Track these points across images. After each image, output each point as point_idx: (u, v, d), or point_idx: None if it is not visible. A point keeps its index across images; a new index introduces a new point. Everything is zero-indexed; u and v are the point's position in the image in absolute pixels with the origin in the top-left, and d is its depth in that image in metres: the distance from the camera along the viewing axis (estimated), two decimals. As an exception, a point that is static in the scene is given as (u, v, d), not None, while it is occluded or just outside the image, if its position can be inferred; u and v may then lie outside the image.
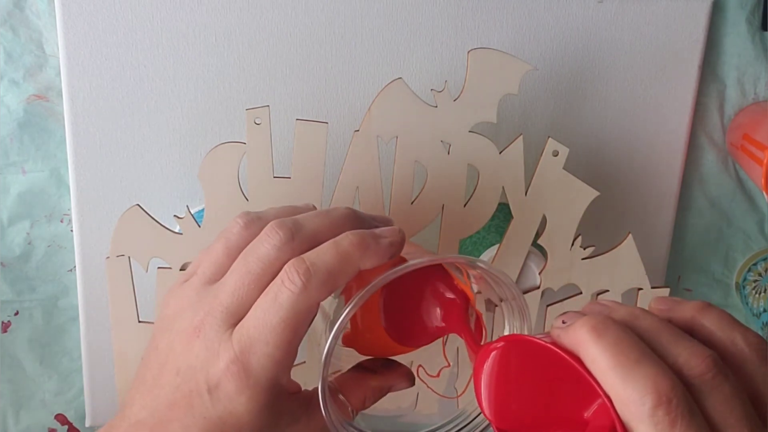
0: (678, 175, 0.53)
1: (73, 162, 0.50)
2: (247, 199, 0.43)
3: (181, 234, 0.44)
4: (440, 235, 0.45)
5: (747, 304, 0.57)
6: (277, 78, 0.50)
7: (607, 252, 0.46)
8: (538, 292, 0.46)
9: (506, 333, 0.36)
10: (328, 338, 0.31)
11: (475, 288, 0.37)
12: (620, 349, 0.26)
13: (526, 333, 0.36)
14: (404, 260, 0.32)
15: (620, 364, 0.25)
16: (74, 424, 0.58)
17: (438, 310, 0.36)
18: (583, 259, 0.46)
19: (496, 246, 0.45)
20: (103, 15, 0.48)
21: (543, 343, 0.28)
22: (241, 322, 0.30)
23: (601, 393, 0.26)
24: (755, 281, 0.57)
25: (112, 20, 0.48)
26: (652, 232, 0.54)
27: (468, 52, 0.43)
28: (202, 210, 0.44)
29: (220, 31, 0.49)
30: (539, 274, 0.46)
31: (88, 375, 0.55)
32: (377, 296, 0.35)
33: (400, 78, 0.43)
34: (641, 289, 0.47)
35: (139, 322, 0.45)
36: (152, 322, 0.46)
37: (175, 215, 0.44)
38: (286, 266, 0.30)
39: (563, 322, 0.28)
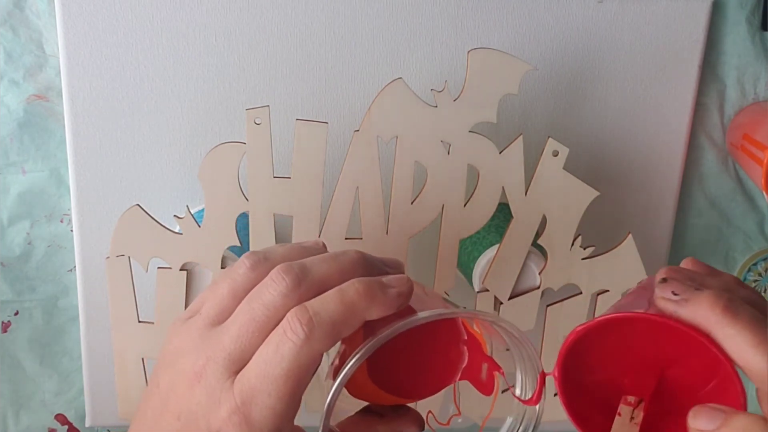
0: (678, 175, 0.53)
1: (73, 162, 0.50)
2: (247, 199, 0.43)
3: (181, 234, 0.44)
4: (440, 235, 0.45)
5: (747, 304, 0.57)
6: (277, 78, 0.50)
7: (607, 252, 0.46)
8: (538, 292, 0.46)
9: (518, 381, 0.35)
10: (330, 391, 0.30)
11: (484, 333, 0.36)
12: (758, 328, 0.28)
13: (536, 382, 0.35)
14: (412, 309, 0.32)
15: (762, 342, 0.27)
16: (74, 424, 0.58)
17: (446, 359, 0.36)
18: (583, 259, 0.46)
19: (496, 246, 0.45)
20: (103, 15, 0.48)
21: (659, 318, 0.29)
22: (243, 371, 0.30)
23: (730, 368, 0.28)
24: (755, 281, 0.57)
25: (112, 20, 0.48)
26: (652, 232, 0.54)
27: (468, 52, 0.43)
28: (202, 210, 0.44)
29: (220, 31, 0.49)
30: (539, 274, 0.46)
31: (88, 375, 0.55)
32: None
33: (400, 78, 0.43)
34: (641, 289, 0.47)
35: (139, 322, 0.45)
36: (152, 322, 0.46)
37: (175, 215, 0.44)
38: (288, 315, 0.29)
39: (674, 294, 0.29)
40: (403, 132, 0.43)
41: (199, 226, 0.44)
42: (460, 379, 0.36)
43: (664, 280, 0.30)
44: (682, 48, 0.51)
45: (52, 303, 0.56)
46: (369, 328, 0.30)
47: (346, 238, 0.44)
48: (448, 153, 0.44)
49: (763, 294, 0.57)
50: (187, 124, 0.50)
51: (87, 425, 0.56)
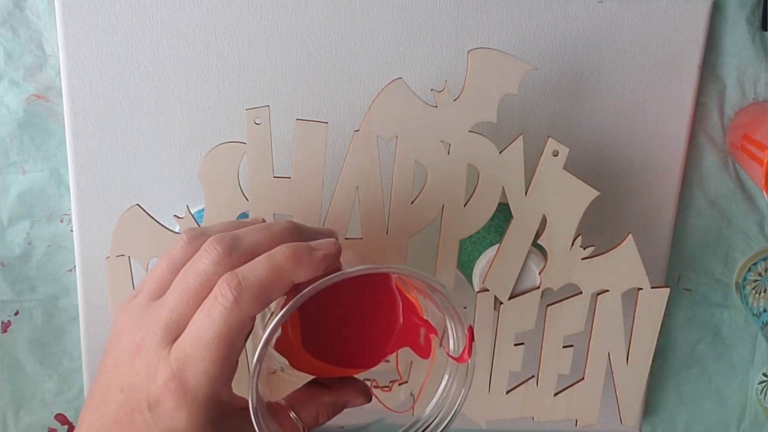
0: (678, 175, 0.53)
1: (73, 162, 0.50)
2: (247, 199, 0.43)
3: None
4: (440, 235, 0.45)
5: (747, 304, 0.57)
6: (277, 78, 0.50)
7: (607, 252, 0.46)
8: (538, 292, 0.46)
9: (451, 341, 0.36)
10: (256, 351, 0.31)
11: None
12: None
13: (465, 339, 0.36)
14: (341, 270, 0.32)
15: None
16: (74, 424, 0.58)
17: (383, 327, 0.37)
18: (583, 259, 0.46)
19: (496, 246, 0.45)
20: (103, 15, 0.48)
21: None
22: (178, 339, 0.30)
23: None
24: (755, 281, 0.57)
25: (112, 20, 0.48)
26: (652, 232, 0.54)
27: (468, 52, 0.43)
28: (202, 210, 0.44)
29: (220, 31, 0.49)
30: (539, 274, 0.46)
31: (88, 375, 0.55)
32: (295, 317, 0.34)
33: (400, 78, 0.43)
34: (641, 289, 0.47)
35: (139, 322, 0.45)
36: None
37: (175, 215, 0.44)
38: (219, 281, 0.30)
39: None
40: (403, 132, 0.43)
41: (199, 226, 0.44)
42: (399, 346, 0.37)
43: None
44: (682, 48, 0.51)
45: (52, 303, 0.56)
46: (298, 291, 0.31)
47: (346, 238, 0.44)
48: (448, 153, 0.44)
49: (762, 294, 0.57)
50: (187, 124, 0.50)
51: (87, 425, 0.56)
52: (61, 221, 0.54)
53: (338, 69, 0.50)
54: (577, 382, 0.49)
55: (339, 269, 0.33)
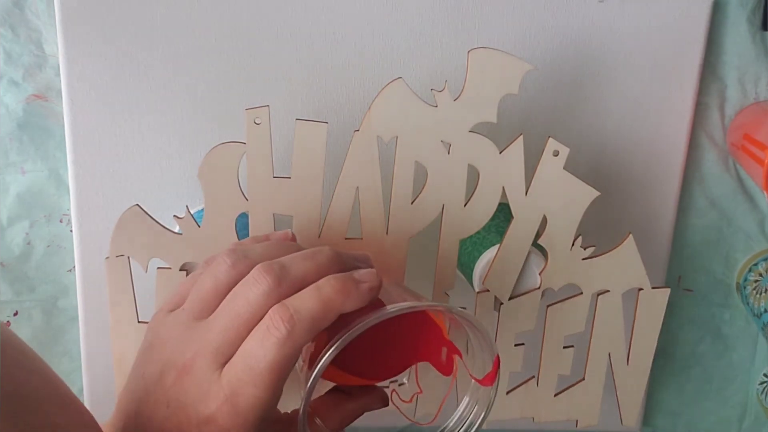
0: (678, 175, 0.53)
1: (72, 162, 0.50)
2: (246, 199, 0.43)
3: (181, 234, 0.44)
4: (440, 235, 0.45)
5: (748, 304, 0.57)
6: (277, 78, 0.50)
7: (607, 252, 0.46)
8: (539, 293, 0.46)
9: (475, 366, 0.38)
10: (309, 380, 0.32)
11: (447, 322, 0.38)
12: None
13: (492, 365, 0.37)
14: (380, 300, 0.34)
15: None
16: (74, 425, 0.58)
17: (408, 343, 0.38)
18: (583, 259, 0.46)
19: (496, 246, 0.45)
20: (103, 15, 0.48)
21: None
22: (229, 363, 0.32)
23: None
24: (756, 281, 0.57)
25: (112, 20, 0.48)
26: (653, 232, 0.54)
27: (468, 52, 0.43)
28: (202, 210, 0.44)
29: (220, 31, 0.49)
30: (539, 274, 0.46)
31: (88, 375, 0.55)
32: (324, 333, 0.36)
33: (400, 78, 0.43)
34: (642, 289, 0.47)
35: (139, 322, 0.45)
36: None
37: (174, 215, 0.44)
38: (270, 311, 0.31)
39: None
40: (403, 132, 0.43)
41: (199, 226, 0.44)
42: (421, 361, 0.39)
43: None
44: (682, 48, 0.51)
45: (51, 303, 0.56)
46: (341, 318, 0.33)
47: (346, 238, 0.44)
48: (448, 153, 0.44)
49: (763, 294, 0.57)
50: (187, 124, 0.50)
51: (87, 425, 0.56)
52: (61, 221, 0.54)
53: (338, 69, 0.50)
54: (578, 382, 0.49)
55: (378, 298, 0.34)
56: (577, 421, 0.50)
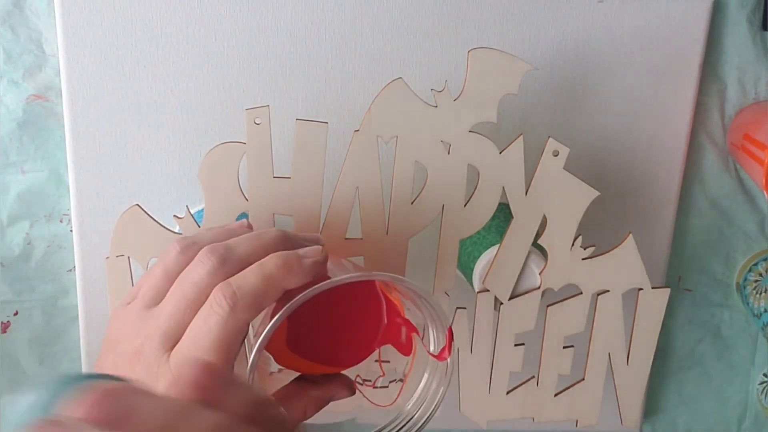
0: (678, 175, 0.53)
1: (72, 162, 0.50)
2: (246, 199, 0.43)
3: (181, 234, 0.44)
4: (440, 235, 0.45)
5: (748, 304, 0.57)
6: (277, 78, 0.50)
7: (607, 252, 0.46)
8: (539, 293, 0.46)
9: (432, 342, 0.38)
10: (251, 356, 0.32)
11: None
12: None
13: (445, 338, 0.38)
14: (328, 277, 0.34)
15: None
16: (74, 425, 0.58)
17: (367, 326, 0.38)
18: (583, 259, 0.46)
19: (496, 246, 0.45)
20: (103, 15, 0.48)
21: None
22: (177, 346, 0.32)
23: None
24: (756, 281, 0.57)
25: (112, 20, 0.48)
26: (653, 232, 0.54)
27: (468, 52, 0.43)
28: (202, 210, 0.44)
29: (220, 31, 0.49)
30: (539, 274, 0.46)
31: (88, 375, 0.55)
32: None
33: (400, 78, 0.43)
34: (642, 289, 0.47)
35: (139, 322, 0.45)
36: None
37: (174, 215, 0.44)
38: (214, 291, 0.32)
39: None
40: (403, 132, 0.43)
41: (199, 226, 0.44)
42: (382, 344, 0.39)
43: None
44: (682, 48, 0.51)
45: (51, 303, 0.56)
46: (288, 297, 0.33)
47: (346, 238, 0.44)
48: (448, 153, 0.44)
49: (763, 294, 0.57)
50: (187, 124, 0.50)
51: (87, 425, 0.56)
52: (61, 221, 0.54)
53: (338, 69, 0.50)
54: (578, 382, 0.49)
55: (326, 275, 0.34)
56: (577, 421, 0.50)
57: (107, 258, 0.43)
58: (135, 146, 0.50)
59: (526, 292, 0.47)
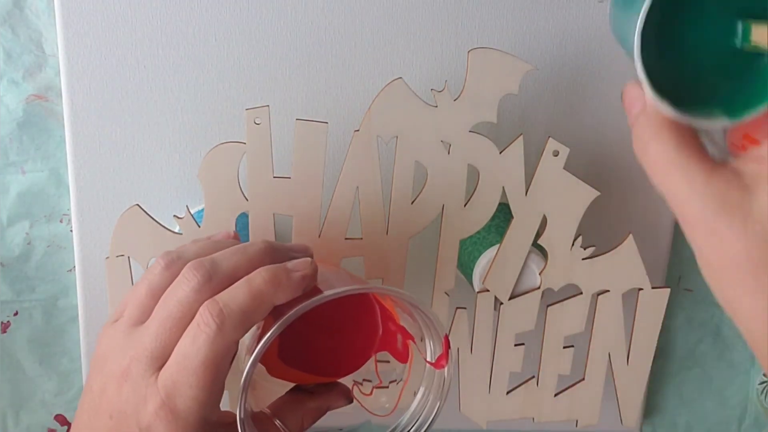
0: (678, 175, 0.53)
1: (72, 162, 0.50)
2: (246, 199, 0.43)
3: (181, 234, 0.44)
4: (440, 235, 0.45)
5: (747, 304, 0.57)
6: (277, 78, 0.50)
7: (607, 252, 0.46)
8: (539, 293, 0.46)
9: (428, 350, 0.37)
10: (243, 372, 0.31)
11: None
12: None
13: (442, 346, 0.37)
14: (319, 290, 0.33)
15: None
16: (74, 425, 0.58)
17: (362, 335, 0.38)
18: (583, 259, 0.46)
19: (496, 246, 0.45)
20: (103, 15, 0.48)
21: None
22: (165, 366, 0.31)
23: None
24: (756, 281, 0.57)
25: (112, 20, 0.48)
26: (653, 232, 0.54)
27: (468, 52, 0.43)
28: (202, 210, 0.44)
29: (220, 31, 0.49)
30: (539, 274, 0.46)
31: (88, 375, 0.55)
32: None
33: (400, 78, 0.43)
34: (642, 289, 0.47)
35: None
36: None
37: (175, 215, 0.44)
38: (201, 309, 0.31)
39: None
40: (403, 132, 0.43)
41: (199, 226, 0.44)
42: (378, 351, 0.38)
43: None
44: (682, 48, 0.51)
45: (51, 303, 0.56)
46: (279, 312, 0.32)
47: (346, 238, 0.44)
48: (448, 153, 0.44)
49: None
50: (187, 124, 0.50)
51: (87, 425, 0.56)
52: (61, 221, 0.54)
53: (338, 69, 0.50)
54: (578, 382, 0.49)
55: (317, 287, 0.34)
56: (577, 421, 0.50)
57: (107, 258, 0.43)
58: (135, 146, 0.50)
59: (526, 292, 0.47)
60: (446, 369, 0.37)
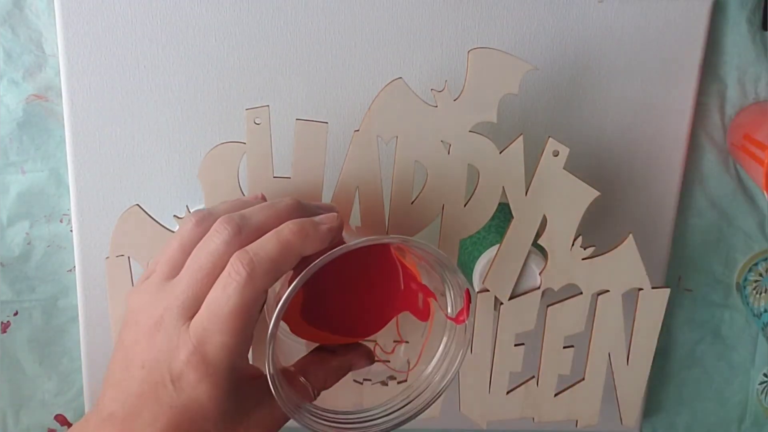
0: (678, 175, 0.53)
1: (72, 162, 0.50)
2: (246, 199, 0.43)
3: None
4: (440, 235, 0.45)
5: (748, 304, 0.57)
6: (277, 78, 0.50)
7: (607, 252, 0.46)
8: (539, 292, 0.46)
9: (449, 305, 0.38)
10: (270, 324, 0.32)
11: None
12: None
13: (463, 300, 0.37)
14: (344, 243, 0.34)
15: None
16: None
17: (384, 294, 0.39)
18: (583, 259, 0.46)
19: (496, 246, 0.45)
20: (103, 15, 0.48)
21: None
22: (196, 315, 0.32)
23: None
24: (756, 281, 0.57)
25: (112, 20, 0.48)
26: (653, 232, 0.54)
27: (468, 52, 0.43)
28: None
29: (220, 31, 0.49)
30: (539, 274, 0.46)
31: (88, 375, 0.55)
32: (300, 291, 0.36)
33: (400, 78, 0.43)
34: (642, 289, 0.47)
35: (139, 322, 0.45)
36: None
37: (175, 215, 0.44)
38: (231, 258, 0.32)
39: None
40: (403, 132, 0.43)
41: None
42: (399, 311, 0.39)
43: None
44: (682, 48, 0.51)
45: (51, 303, 0.56)
46: (305, 264, 0.33)
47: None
48: (448, 153, 0.44)
49: (763, 294, 0.57)
50: (187, 124, 0.50)
51: (87, 425, 0.56)
52: (61, 221, 0.54)
53: (338, 69, 0.50)
54: (578, 382, 0.49)
55: (342, 242, 0.34)
56: (577, 421, 0.50)
57: (107, 258, 0.43)
58: (135, 146, 0.50)
59: (526, 292, 0.47)
60: (467, 322, 0.37)
